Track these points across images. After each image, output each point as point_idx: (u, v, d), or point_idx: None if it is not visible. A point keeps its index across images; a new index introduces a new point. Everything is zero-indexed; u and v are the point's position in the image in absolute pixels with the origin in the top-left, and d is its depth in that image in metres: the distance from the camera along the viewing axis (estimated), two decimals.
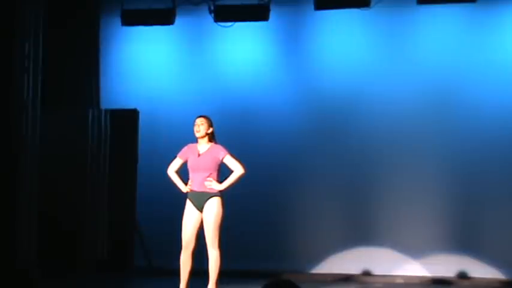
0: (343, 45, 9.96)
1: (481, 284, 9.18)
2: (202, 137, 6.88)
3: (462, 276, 9.44)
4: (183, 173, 6.98)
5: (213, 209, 6.75)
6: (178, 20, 9.96)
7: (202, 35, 10.34)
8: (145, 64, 10.48)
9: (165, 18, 9.93)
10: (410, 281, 9.43)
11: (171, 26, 10.00)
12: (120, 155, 9.78)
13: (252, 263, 9.41)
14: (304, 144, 9.90)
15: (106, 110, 9.90)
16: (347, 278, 9.54)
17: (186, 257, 6.80)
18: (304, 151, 9.89)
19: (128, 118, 9.85)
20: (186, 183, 6.88)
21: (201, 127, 6.86)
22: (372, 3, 9.32)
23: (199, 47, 10.38)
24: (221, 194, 6.80)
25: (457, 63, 9.65)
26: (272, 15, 9.69)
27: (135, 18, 10.01)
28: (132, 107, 9.92)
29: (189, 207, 6.83)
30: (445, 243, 9.49)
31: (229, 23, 9.88)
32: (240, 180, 6.83)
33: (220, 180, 6.82)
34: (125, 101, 10.15)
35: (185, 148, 6.97)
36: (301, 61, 10.16)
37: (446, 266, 9.46)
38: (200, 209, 6.79)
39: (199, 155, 6.84)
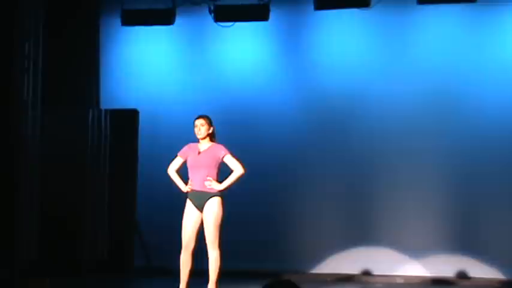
0: (343, 45, 9.96)
1: (481, 284, 9.19)
2: (204, 138, 6.88)
3: (462, 276, 9.44)
4: (183, 173, 6.98)
5: (213, 208, 6.75)
6: (178, 20, 9.96)
7: (202, 35, 10.34)
8: (145, 64, 10.48)
9: (165, 18, 9.94)
10: (410, 281, 9.44)
11: (171, 26, 10.00)
12: (120, 155, 9.78)
13: (252, 263, 9.41)
14: (304, 144, 9.90)
15: (106, 110, 9.90)
16: (347, 278, 9.54)
17: (186, 257, 6.80)
18: (304, 151, 9.89)
19: (128, 118, 9.85)
20: (186, 183, 6.88)
21: (202, 128, 6.86)
22: (372, 3, 9.31)
23: (199, 47, 10.38)
24: (221, 193, 6.80)
25: (457, 63, 9.65)
26: (272, 15, 9.69)
27: (135, 18, 10.02)
28: (132, 107, 9.92)
29: (189, 207, 6.83)
30: (445, 243, 9.49)
31: (229, 23, 9.88)
32: (240, 179, 6.83)
33: (220, 179, 6.82)
34: (125, 101, 10.15)
35: (186, 147, 6.97)
36: (301, 61, 10.16)
37: (446, 266, 9.46)
38: (200, 208, 6.78)
39: (199, 153, 6.84)
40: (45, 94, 8.99)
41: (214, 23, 9.89)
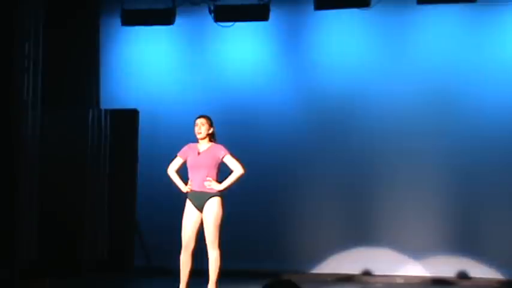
0: (343, 45, 9.96)
1: (480, 284, 9.19)
2: (203, 137, 6.88)
3: (462, 276, 9.44)
4: (183, 173, 6.98)
5: (213, 209, 6.75)
6: (178, 20, 9.96)
7: (202, 35, 10.34)
8: (145, 64, 10.48)
9: (165, 18, 9.94)
10: (411, 281, 9.44)
11: (171, 26, 10.00)
12: (120, 155, 9.78)
13: (252, 263, 9.41)
14: (304, 144, 9.90)
15: (106, 110, 9.90)
16: (347, 278, 9.54)
17: (186, 257, 6.80)
18: (304, 151, 9.89)
19: (128, 118, 9.85)
20: (186, 183, 6.88)
21: (202, 128, 6.86)
22: (372, 3, 9.31)
23: (199, 47, 10.38)
24: (221, 194, 6.80)
25: (457, 63, 9.65)
26: (272, 15, 9.69)
27: (135, 18, 10.02)
28: (132, 107, 9.92)
29: (189, 207, 6.83)
30: (445, 243, 9.49)
31: (229, 23, 9.88)
32: (240, 180, 6.83)
33: (220, 179, 6.82)
34: (125, 101, 10.15)
35: (185, 147, 6.97)
36: (301, 61, 10.16)
37: (446, 266, 9.46)
38: (200, 209, 6.79)
39: (199, 153, 6.85)
40: (45, 94, 8.98)
41: (214, 23, 9.89)
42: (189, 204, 6.84)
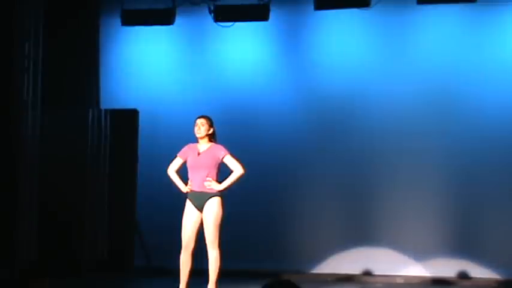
0: (343, 45, 9.97)
1: (480, 284, 9.19)
2: (203, 137, 6.88)
3: (462, 276, 9.44)
4: (183, 173, 6.98)
5: (213, 209, 6.76)
6: (178, 20, 9.97)
7: (202, 35, 10.34)
8: (145, 64, 10.48)
9: (165, 18, 9.94)
10: (411, 281, 9.44)
11: (171, 26, 10.00)
12: (120, 155, 9.78)
13: (252, 263, 9.41)
14: (304, 144, 9.90)
15: (106, 110, 9.90)
16: (347, 278, 9.54)
17: (186, 257, 6.81)
18: (304, 151, 9.89)
19: (128, 118, 9.85)
20: (186, 183, 6.88)
21: (201, 128, 6.86)
22: (372, 3, 9.31)
23: (199, 47, 10.38)
24: (221, 194, 6.80)
25: (457, 63, 9.65)
26: (272, 15, 9.69)
27: (135, 18, 10.02)
28: (132, 107, 9.92)
29: (189, 208, 6.84)
30: (445, 243, 9.49)
31: (229, 23, 9.88)
32: (240, 180, 6.83)
33: (220, 180, 6.82)
34: (125, 101, 10.15)
35: (185, 148, 6.98)
36: (301, 61, 10.16)
37: (446, 266, 9.46)
38: (200, 209, 6.79)
39: (199, 153, 6.85)
40: (45, 94, 8.99)
41: (214, 23, 9.89)
42: (189, 204, 6.84)
